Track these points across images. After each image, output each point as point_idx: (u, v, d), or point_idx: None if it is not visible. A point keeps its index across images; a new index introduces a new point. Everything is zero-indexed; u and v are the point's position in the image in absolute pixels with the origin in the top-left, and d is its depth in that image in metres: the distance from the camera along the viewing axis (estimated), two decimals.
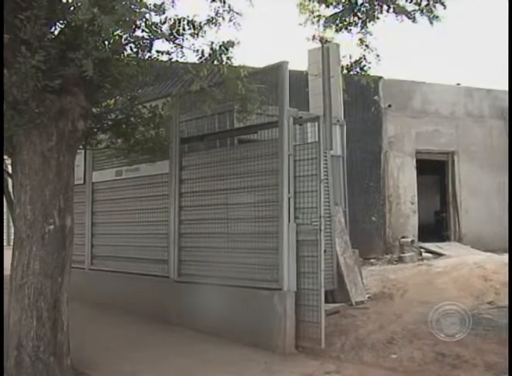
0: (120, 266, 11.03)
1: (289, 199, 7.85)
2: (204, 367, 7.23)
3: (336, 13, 12.59)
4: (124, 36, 6.59)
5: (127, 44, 6.78)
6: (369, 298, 10.68)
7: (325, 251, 7.98)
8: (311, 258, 7.80)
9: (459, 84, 20.17)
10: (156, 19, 6.52)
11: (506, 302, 9.77)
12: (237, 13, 7.46)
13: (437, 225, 20.79)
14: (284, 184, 7.85)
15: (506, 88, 20.14)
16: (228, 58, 7.03)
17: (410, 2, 12.62)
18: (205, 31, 7.03)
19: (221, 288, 8.57)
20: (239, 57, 7.34)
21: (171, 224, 9.68)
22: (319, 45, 12.32)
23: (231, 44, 6.98)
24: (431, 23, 12.76)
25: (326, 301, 8.79)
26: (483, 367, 6.77)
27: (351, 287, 10.28)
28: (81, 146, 7.62)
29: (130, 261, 10.81)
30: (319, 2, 11.88)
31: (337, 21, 12.58)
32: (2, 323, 6.38)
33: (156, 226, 10.27)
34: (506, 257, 13.72)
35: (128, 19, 5.63)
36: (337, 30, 12.74)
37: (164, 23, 6.72)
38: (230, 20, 7.45)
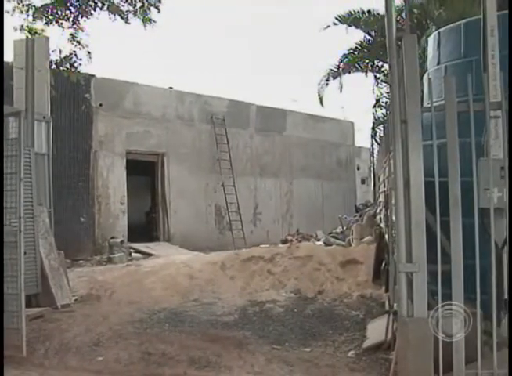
0: None
1: None
2: None
3: (47, 4, 12.21)
4: None
5: None
6: (76, 300, 10.44)
7: (25, 253, 7.59)
8: (10, 261, 7.31)
9: (171, 87, 20.66)
10: None
11: (210, 299, 10.24)
12: None
13: (147, 226, 21.19)
14: None
15: (215, 94, 21.34)
16: None
17: (125, 2, 12.73)
18: None
19: None
20: None
21: None
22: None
23: None
24: (144, 25, 13.02)
25: (30, 306, 8.47)
26: (187, 362, 6.94)
27: (56, 290, 9.95)
28: None
29: None
30: None
31: (48, 13, 12.20)
32: (2, 321, 6.45)
33: None
34: (211, 256, 14.43)
35: None
36: (47, 23, 12.35)
37: None
38: None
